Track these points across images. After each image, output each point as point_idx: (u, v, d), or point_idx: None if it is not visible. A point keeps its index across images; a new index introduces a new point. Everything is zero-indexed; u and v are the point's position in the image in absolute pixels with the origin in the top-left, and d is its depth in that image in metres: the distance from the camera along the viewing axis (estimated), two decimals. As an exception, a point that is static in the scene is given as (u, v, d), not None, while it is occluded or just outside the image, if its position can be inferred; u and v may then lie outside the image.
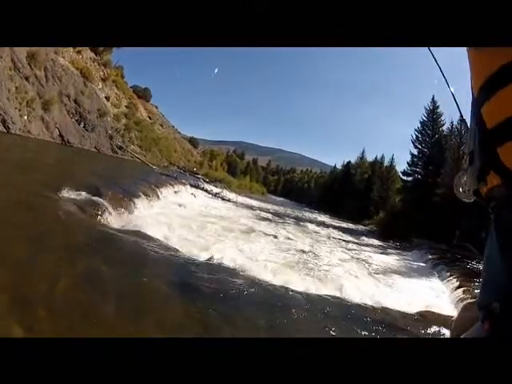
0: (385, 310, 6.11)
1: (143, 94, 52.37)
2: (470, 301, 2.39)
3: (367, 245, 20.43)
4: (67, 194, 7.02)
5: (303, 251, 11.72)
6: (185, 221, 11.06)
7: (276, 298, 5.34)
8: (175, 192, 16.92)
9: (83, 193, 7.38)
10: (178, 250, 6.50)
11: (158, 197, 12.84)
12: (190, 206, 15.21)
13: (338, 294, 6.74)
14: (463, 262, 14.83)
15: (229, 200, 26.15)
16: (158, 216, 10.28)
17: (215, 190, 27.47)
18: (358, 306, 6.10)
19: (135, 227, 7.34)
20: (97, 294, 3.68)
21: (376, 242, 23.92)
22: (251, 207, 26.55)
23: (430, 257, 16.71)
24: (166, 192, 15.01)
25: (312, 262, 10.16)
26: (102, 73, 34.94)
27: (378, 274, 11.09)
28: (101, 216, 6.89)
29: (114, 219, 7.30)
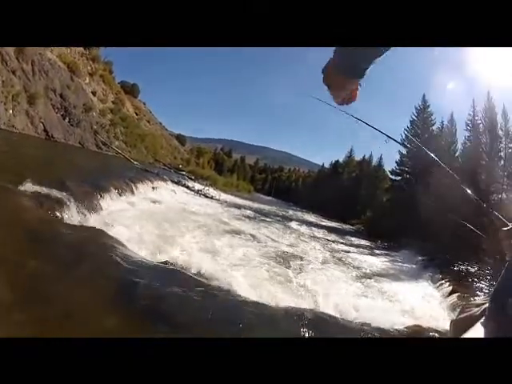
0: (368, 327, 5.19)
1: (131, 90, 51.25)
2: (469, 302, 1.64)
3: (354, 245, 19.66)
4: (29, 187, 6.48)
5: (284, 253, 10.78)
6: (156, 218, 10.20)
7: (239, 314, 4.37)
8: (153, 188, 16.10)
9: (46, 187, 6.82)
10: (132, 251, 5.91)
11: (132, 192, 12.24)
12: (167, 203, 14.43)
13: (317, 307, 5.96)
14: (454, 263, 14.11)
15: (212, 197, 25.25)
16: (126, 212, 9.59)
17: (198, 187, 26.61)
18: (339, 322, 5.17)
19: (95, 223, 6.89)
20: (19, 296, 3.34)
21: (363, 242, 23.27)
22: (235, 205, 25.53)
23: (420, 258, 15.98)
24: (143, 188, 14.29)
25: (293, 266, 9.23)
26: (89, 67, 34.28)
27: (365, 278, 10.18)
28: (59, 211, 6.42)
29: (74, 215, 6.81)
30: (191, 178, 31.11)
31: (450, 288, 9.84)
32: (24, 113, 19.50)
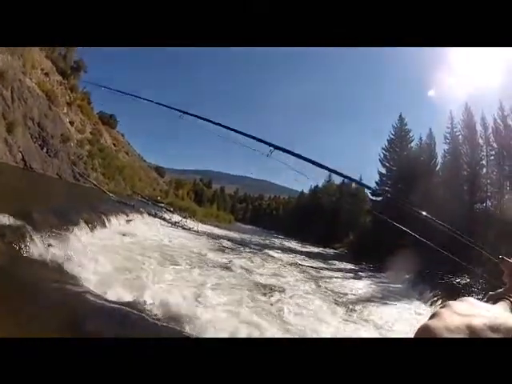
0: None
1: (108, 121, 50.66)
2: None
3: (338, 270, 18.86)
4: (-5, 218, 6.25)
5: (261, 286, 9.87)
6: (124, 253, 9.62)
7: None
8: (127, 221, 15.46)
9: (10, 217, 6.61)
10: (87, 288, 5.64)
11: (103, 225, 11.77)
12: (140, 237, 13.65)
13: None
14: (443, 278, 13.42)
15: (189, 229, 24.48)
16: (93, 247, 8.87)
17: (175, 219, 25.97)
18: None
19: (54, 257, 6.52)
20: None
21: (348, 265, 22.55)
22: (213, 236, 24.60)
23: (407, 276, 15.21)
24: (116, 220, 13.74)
25: (269, 301, 8.34)
26: (67, 97, 33.68)
27: (351, 307, 9.27)
28: (21, 244, 6.24)
29: (36, 248, 6.51)
30: (170, 210, 30.64)
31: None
32: (2, 140, 18.77)
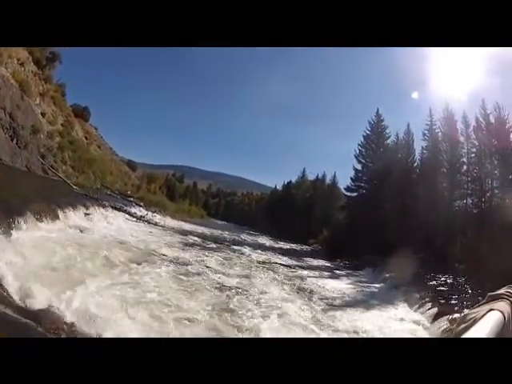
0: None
1: (82, 114, 48.92)
2: (469, 312, 1.21)
3: (312, 267, 17.78)
4: None
5: (226, 288, 8.65)
6: (72, 249, 8.51)
7: None
8: (86, 214, 14.66)
9: None
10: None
11: (56, 218, 11.01)
12: (95, 231, 12.68)
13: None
14: (426, 277, 12.55)
15: (155, 224, 23.44)
16: (38, 240, 8.19)
17: (140, 213, 24.74)
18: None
19: None
20: None
21: (322, 262, 21.62)
22: (182, 231, 23.39)
23: (388, 275, 14.25)
24: (72, 213, 12.96)
25: (233, 304, 7.13)
26: (41, 87, 32.22)
27: (326, 311, 8.06)
28: None
29: None
30: (139, 205, 29.85)
31: (435, 309, 8.02)
32: (-29, 131, 17.58)
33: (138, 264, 9.01)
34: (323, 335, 6.36)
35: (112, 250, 9.83)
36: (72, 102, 45.24)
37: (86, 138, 45.10)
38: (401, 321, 7.94)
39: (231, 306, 7.10)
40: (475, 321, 1.04)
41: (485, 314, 1.08)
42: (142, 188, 51.85)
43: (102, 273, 7.40)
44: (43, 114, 30.71)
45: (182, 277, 8.83)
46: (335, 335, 6.53)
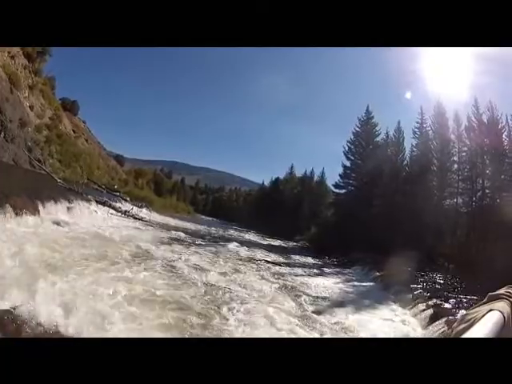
0: None
1: (71, 107, 48.69)
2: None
3: (300, 265, 17.42)
4: None
5: (212, 287, 8.17)
6: (45, 245, 8.04)
7: None
8: (68, 208, 14.38)
9: None
10: None
11: (35, 212, 10.89)
12: (76, 226, 12.34)
13: None
14: (417, 276, 12.25)
15: (141, 219, 23.07)
16: (10, 235, 7.90)
17: (125, 207, 24.37)
18: None
19: None
20: None
21: (310, 259, 21.26)
22: (167, 227, 23.14)
23: (378, 274, 13.91)
24: (53, 207, 12.75)
25: (213, 304, 6.76)
26: (30, 80, 32.12)
27: (314, 313, 7.61)
28: None
29: None
30: (125, 199, 29.65)
31: (430, 311, 7.61)
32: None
33: (115, 260, 8.56)
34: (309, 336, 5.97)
35: (88, 245, 9.41)
36: (61, 95, 45.42)
37: (74, 132, 44.95)
38: (392, 322, 7.56)
39: (209, 306, 6.66)
40: (475, 321, 1.04)
41: (485, 314, 1.06)
42: (130, 183, 51.88)
43: (70, 268, 6.86)
44: (31, 107, 30.62)
45: (161, 273, 8.42)
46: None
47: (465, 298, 8.74)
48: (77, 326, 4.50)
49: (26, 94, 30.41)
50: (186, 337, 4.51)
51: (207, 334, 5.08)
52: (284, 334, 5.81)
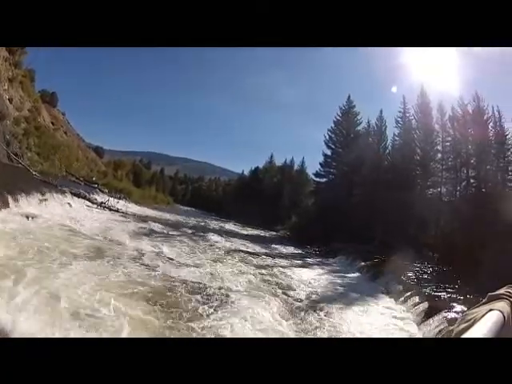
0: None
1: (50, 99, 47.95)
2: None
3: (281, 255, 16.89)
4: None
5: (185, 283, 7.44)
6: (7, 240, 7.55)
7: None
8: (41, 200, 14.09)
9: None
10: None
11: (4, 205, 10.70)
12: (46, 219, 11.67)
13: None
14: (402, 266, 11.67)
15: (117, 210, 22.89)
16: None
17: (100, 199, 24.09)
18: None
19: None
20: None
21: (291, 249, 20.87)
22: (144, 218, 22.30)
23: (363, 263, 13.45)
24: (24, 200, 12.47)
25: (183, 299, 6.24)
26: (10, 73, 31.65)
27: (297, 309, 6.94)
28: None
29: None
30: (103, 191, 29.63)
31: (426, 305, 7.06)
32: None
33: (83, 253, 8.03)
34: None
35: (56, 240, 8.74)
36: (41, 87, 44.49)
37: (53, 124, 44.30)
38: (390, 317, 6.99)
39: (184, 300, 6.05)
40: (475, 321, 1.00)
41: (485, 314, 1.02)
42: (109, 175, 51.32)
43: (34, 265, 6.22)
44: (10, 100, 30.00)
45: (133, 267, 7.77)
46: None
47: (455, 289, 8.28)
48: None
49: (6, 87, 29.96)
50: (186, 337, 4.33)
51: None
52: (269, 332, 5.30)
